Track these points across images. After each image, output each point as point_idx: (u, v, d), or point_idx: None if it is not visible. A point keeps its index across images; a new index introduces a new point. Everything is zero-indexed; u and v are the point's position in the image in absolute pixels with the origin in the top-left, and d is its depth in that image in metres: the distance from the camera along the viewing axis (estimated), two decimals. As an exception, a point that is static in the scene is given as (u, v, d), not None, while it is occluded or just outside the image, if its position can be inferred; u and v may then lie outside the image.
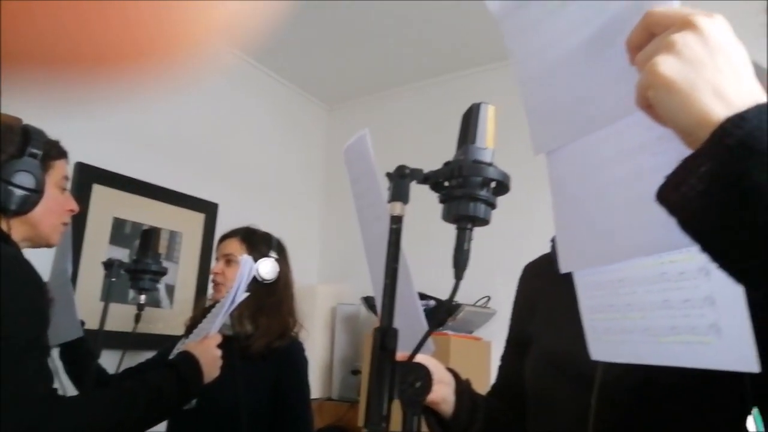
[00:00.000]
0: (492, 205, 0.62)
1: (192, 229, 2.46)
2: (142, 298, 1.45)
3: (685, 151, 0.41)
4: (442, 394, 0.89)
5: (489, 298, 2.45)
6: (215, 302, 1.49)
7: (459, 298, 2.31)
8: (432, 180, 0.64)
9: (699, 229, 0.41)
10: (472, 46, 2.65)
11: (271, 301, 1.59)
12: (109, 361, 1.61)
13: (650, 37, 0.45)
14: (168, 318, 2.30)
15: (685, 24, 0.43)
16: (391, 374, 0.60)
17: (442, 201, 0.64)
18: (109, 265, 1.47)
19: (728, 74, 0.42)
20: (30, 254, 1.06)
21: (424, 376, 0.62)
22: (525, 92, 0.63)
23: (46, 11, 0.26)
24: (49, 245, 1.19)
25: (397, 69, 2.91)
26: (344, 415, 2.52)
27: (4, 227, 1.08)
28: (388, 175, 0.66)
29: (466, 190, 0.61)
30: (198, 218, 2.49)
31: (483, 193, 0.61)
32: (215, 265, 1.66)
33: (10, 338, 0.90)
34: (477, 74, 2.81)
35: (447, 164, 0.64)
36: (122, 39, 0.28)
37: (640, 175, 0.46)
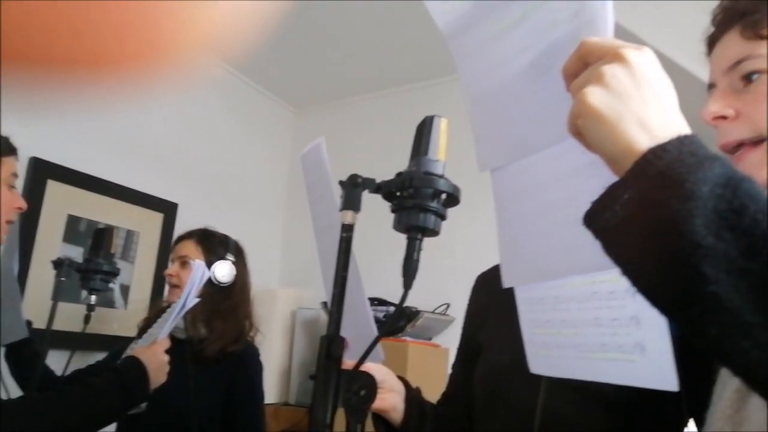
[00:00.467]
0: (442, 217, 0.63)
1: (150, 228, 2.41)
2: (93, 298, 1.42)
3: (614, 178, 0.43)
4: (392, 402, 0.90)
5: (448, 305, 2.48)
6: (170, 304, 1.47)
7: (418, 305, 2.33)
8: (384, 190, 0.65)
9: (619, 254, 0.43)
10: (441, 57, 2.68)
11: (227, 304, 1.57)
12: (58, 361, 1.57)
13: (584, 66, 0.47)
14: (122, 319, 2.25)
15: (615, 56, 0.44)
16: (336, 382, 0.60)
17: (393, 211, 0.65)
18: (59, 264, 1.43)
19: (653, 106, 0.43)
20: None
21: (369, 384, 0.63)
22: (471, 111, 0.64)
23: (19, 8, 0.26)
24: (-7, 243, 1.16)
25: (366, 75, 2.91)
26: (300, 420, 2.50)
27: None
28: (341, 183, 0.67)
29: (417, 201, 0.62)
30: (156, 218, 2.44)
31: (433, 204, 0.62)
32: (170, 266, 1.63)
33: None
34: (446, 84, 2.84)
35: (399, 175, 0.64)
36: (87, 41, 0.28)
37: (574, 197, 0.48)
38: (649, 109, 0.43)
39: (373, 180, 0.66)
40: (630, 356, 0.52)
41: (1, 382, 1.36)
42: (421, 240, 0.63)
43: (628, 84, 0.43)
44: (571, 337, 0.58)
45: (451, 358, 2.47)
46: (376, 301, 2.42)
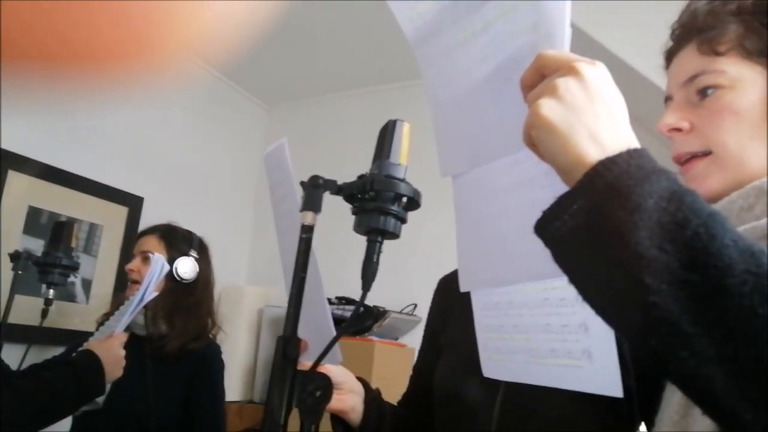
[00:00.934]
0: (402, 220, 0.64)
1: (114, 222, 2.37)
2: (51, 292, 1.39)
3: (567, 188, 0.44)
4: (351, 403, 0.90)
5: (415, 305, 2.49)
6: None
7: (386, 305, 2.33)
8: (345, 192, 0.65)
9: (566, 263, 0.44)
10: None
11: (189, 301, 1.55)
12: (14, 355, 1.53)
13: (541, 78, 0.48)
14: (84, 313, 2.21)
15: (570, 70, 0.46)
16: (291, 383, 0.60)
17: (354, 213, 0.65)
18: (16, 257, 1.40)
19: (604, 119, 0.44)
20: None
21: (324, 385, 0.63)
22: (434, 117, 0.65)
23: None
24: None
25: (340, 74, 2.90)
26: (264, 418, 2.48)
27: None
28: (302, 184, 0.67)
29: (378, 204, 0.63)
30: (121, 212, 2.40)
31: (394, 207, 0.63)
32: (132, 261, 1.60)
33: None
34: (421, 86, 2.85)
35: (361, 177, 0.65)
36: (61, 35, 0.28)
37: (529, 205, 0.48)
38: (600, 122, 0.44)
39: (334, 182, 0.66)
40: (578, 362, 0.53)
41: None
42: (381, 243, 0.64)
43: (581, 97, 0.44)
44: (523, 342, 0.59)
45: (417, 358, 2.48)
46: (344, 301, 2.42)
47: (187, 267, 1.54)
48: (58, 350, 1.75)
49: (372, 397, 0.93)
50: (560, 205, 0.43)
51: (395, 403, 1.06)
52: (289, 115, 3.25)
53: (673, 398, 0.62)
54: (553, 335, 0.56)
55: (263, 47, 2.67)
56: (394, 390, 1.09)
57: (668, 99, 0.71)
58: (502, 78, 0.54)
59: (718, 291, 0.37)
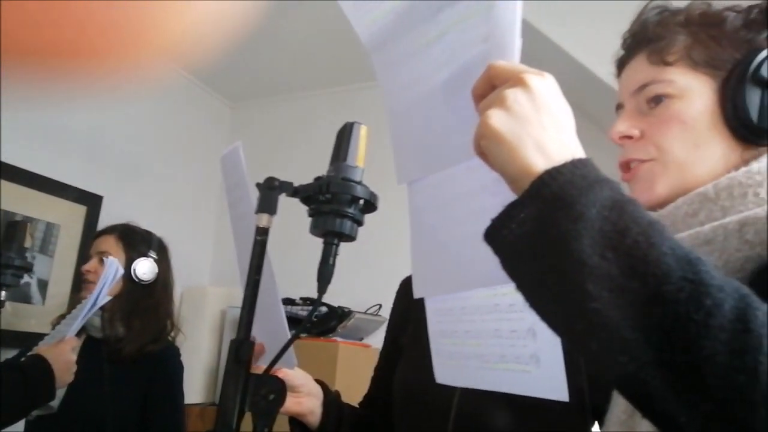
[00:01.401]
0: (359, 222, 0.64)
1: (71, 221, 2.31)
2: (3, 293, 1.35)
3: (515, 196, 0.45)
4: (309, 405, 0.90)
5: (380, 306, 2.49)
6: (87, 302, 1.41)
7: (350, 305, 2.33)
8: (302, 194, 0.65)
9: (513, 270, 0.45)
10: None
11: (148, 302, 1.53)
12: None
13: (492, 88, 0.49)
14: (39, 315, 2.15)
15: (518, 81, 0.47)
16: (244, 386, 0.60)
17: (311, 215, 0.65)
18: (-35, 257, 1.35)
19: (551, 130, 0.46)
20: None
21: (278, 389, 0.62)
22: (391, 124, 0.65)
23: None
24: None
25: (305, 73, 2.89)
26: (227, 420, 2.46)
27: None
28: (258, 185, 0.66)
29: (334, 206, 0.63)
30: (79, 210, 2.34)
31: (350, 210, 0.63)
32: (89, 262, 1.56)
33: None
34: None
35: (318, 179, 0.65)
36: (10, 30, 0.28)
37: (481, 212, 0.49)
38: (546, 133, 0.45)
39: (290, 183, 0.66)
40: (526, 367, 0.54)
41: None
42: (337, 245, 0.64)
43: (529, 108, 0.46)
44: (474, 347, 0.60)
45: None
46: (308, 301, 2.40)
47: (145, 268, 1.52)
48: (12, 352, 1.70)
49: (330, 399, 0.93)
50: (508, 214, 0.44)
51: (358, 404, 1.06)
52: (254, 113, 3.22)
53: (620, 398, 0.64)
54: (502, 340, 0.57)
55: (228, 46, 2.63)
56: (358, 390, 1.10)
57: (620, 107, 0.72)
58: (455, 86, 0.54)
59: (656, 297, 0.38)
